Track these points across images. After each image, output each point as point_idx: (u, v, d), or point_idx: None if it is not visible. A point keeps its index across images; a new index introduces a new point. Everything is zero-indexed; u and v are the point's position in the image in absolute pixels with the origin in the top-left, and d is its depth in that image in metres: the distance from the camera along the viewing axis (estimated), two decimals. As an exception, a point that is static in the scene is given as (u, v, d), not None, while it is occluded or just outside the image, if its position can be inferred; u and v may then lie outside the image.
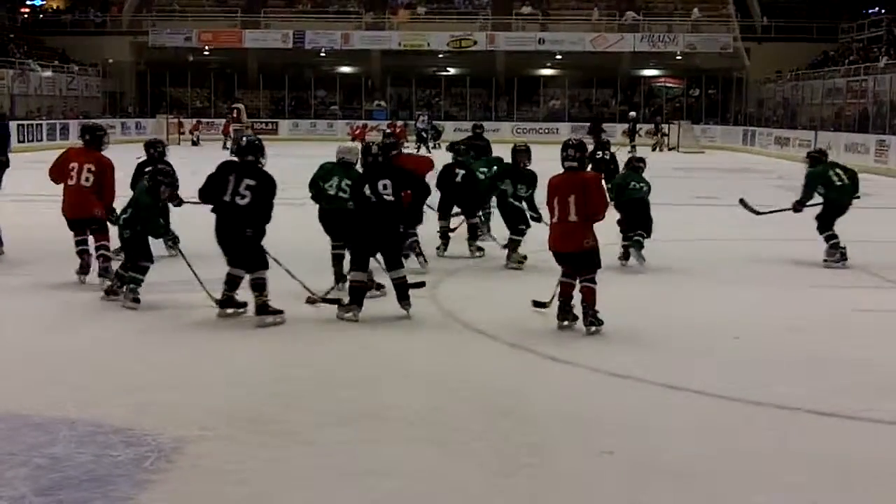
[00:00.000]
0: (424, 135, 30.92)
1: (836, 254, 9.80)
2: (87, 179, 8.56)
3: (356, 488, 4.24)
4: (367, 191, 7.28)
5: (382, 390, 5.65)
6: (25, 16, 42.82)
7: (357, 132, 32.79)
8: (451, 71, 42.33)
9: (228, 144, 29.16)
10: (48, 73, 35.35)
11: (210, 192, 7.12)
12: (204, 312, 7.42)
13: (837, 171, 10.11)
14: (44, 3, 44.32)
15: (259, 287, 7.06)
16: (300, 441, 4.76)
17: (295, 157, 28.24)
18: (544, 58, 40.59)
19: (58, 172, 8.80)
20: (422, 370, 6.11)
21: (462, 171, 10.22)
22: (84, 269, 8.55)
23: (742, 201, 10.89)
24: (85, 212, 8.57)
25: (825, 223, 9.89)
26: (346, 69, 42.45)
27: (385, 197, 7.23)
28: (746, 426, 5.16)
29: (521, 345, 6.66)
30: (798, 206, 10.05)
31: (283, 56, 39.88)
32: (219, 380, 5.76)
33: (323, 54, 40.46)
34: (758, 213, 10.79)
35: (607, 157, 14.92)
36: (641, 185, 9.77)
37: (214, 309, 7.35)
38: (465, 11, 41.65)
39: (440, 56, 40.58)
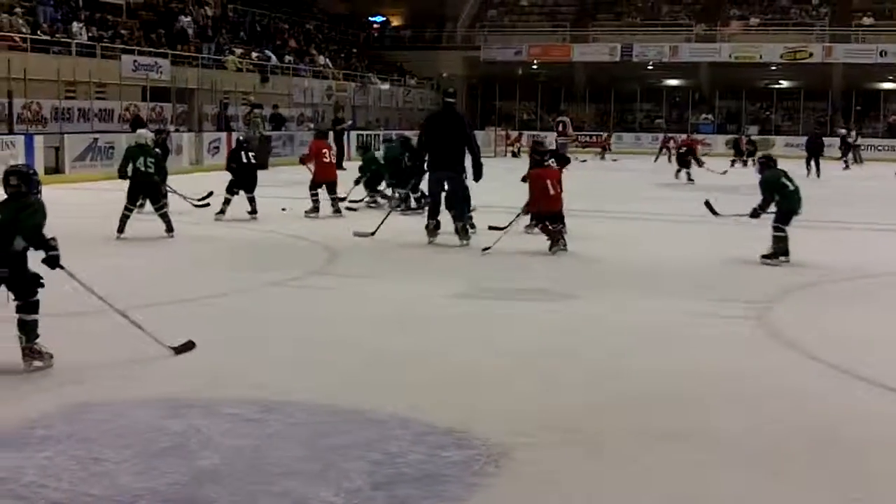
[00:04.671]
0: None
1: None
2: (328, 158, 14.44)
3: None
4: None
5: (703, 409, 5.38)
6: (374, 32, 45.59)
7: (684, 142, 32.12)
8: (784, 84, 40.50)
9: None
10: (386, 86, 37.37)
11: None
12: (527, 320, 7.46)
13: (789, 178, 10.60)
14: (385, 20, 47.01)
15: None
16: (623, 456, 4.62)
17: (621, 171, 28.38)
18: (886, 70, 37.89)
19: (313, 158, 14.48)
20: (744, 391, 5.77)
21: None
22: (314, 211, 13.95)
23: (707, 203, 11.22)
24: (335, 177, 14.39)
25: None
26: (673, 82, 41.83)
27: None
28: None
29: (848, 370, 6.17)
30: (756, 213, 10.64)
31: (610, 69, 39.89)
32: (539, 388, 5.72)
33: (650, 67, 40.08)
34: (717, 214, 11.25)
35: None
36: None
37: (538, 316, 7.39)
38: (800, 22, 39.80)
39: (772, 68, 38.98)
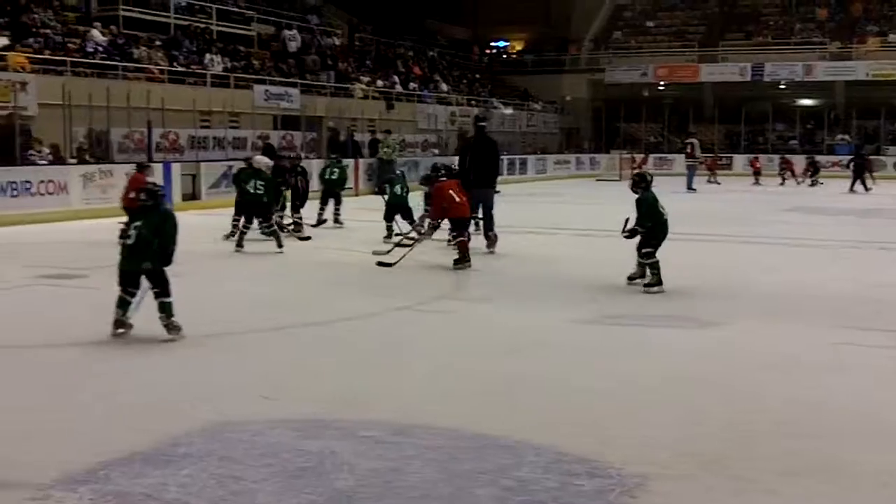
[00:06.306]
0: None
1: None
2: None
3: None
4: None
5: (848, 443, 5.15)
6: (496, 57, 45.89)
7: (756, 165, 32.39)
8: (926, 102, 38.95)
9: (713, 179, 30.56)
10: (509, 111, 37.46)
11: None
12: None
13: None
14: (507, 44, 47.22)
15: None
16: (763, 490, 4.45)
17: (747, 193, 27.78)
18: None
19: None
20: (892, 424, 5.52)
21: None
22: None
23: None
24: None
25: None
26: (806, 101, 40.67)
27: None
28: None
29: None
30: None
31: (740, 89, 39.07)
32: (674, 416, 5.59)
33: (782, 86, 39.12)
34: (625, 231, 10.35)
35: None
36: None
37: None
38: (944, 38, 38.30)
39: (913, 86, 37.56)
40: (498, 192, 13.54)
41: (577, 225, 15.05)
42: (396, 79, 32.51)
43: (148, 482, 4.37)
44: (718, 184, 30.47)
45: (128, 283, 7.31)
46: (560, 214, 13.27)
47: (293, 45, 29.34)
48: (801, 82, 38.43)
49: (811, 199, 24.58)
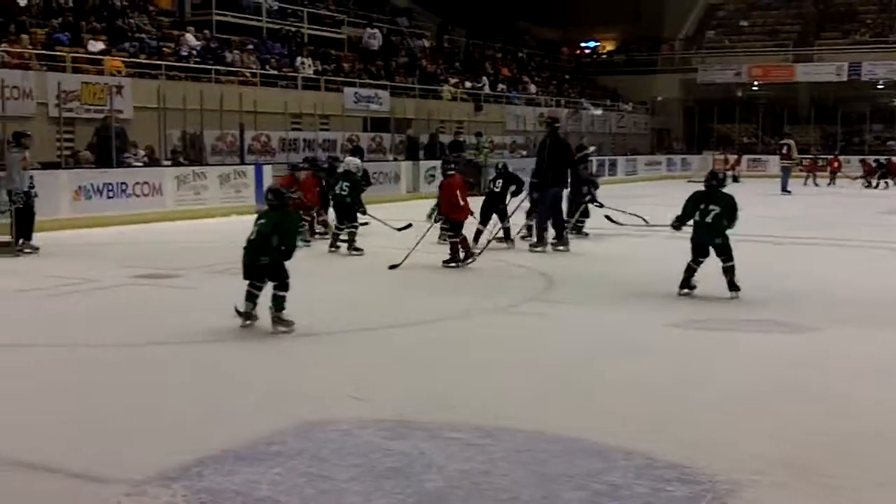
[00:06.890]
0: None
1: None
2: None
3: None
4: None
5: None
6: (586, 58, 45.62)
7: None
8: None
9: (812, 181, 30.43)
10: (599, 112, 37.15)
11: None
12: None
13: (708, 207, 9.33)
14: (597, 45, 46.88)
15: None
16: (858, 500, 4.33)
17: (842, 195, 27.09)
18: None
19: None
20: None
21: None
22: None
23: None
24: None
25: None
26: (905, 101, 39.55)
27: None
28: None
29: None
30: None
31: (836, 89, 38.22)
32: (769, 423, 5.45)
33: (880, 86, 38.07)
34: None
35: None
36: None
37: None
38: None
39: None
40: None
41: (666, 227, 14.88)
42: (485, 80, 32.51)
43: (239, 480, 4.42)
44: (816, 185, 29.97)
45: (251, 277, 7.76)
46: (650, 216, 13.05)
47: (374, 44, 29.54)
48: (899, 82, 37.45)
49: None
